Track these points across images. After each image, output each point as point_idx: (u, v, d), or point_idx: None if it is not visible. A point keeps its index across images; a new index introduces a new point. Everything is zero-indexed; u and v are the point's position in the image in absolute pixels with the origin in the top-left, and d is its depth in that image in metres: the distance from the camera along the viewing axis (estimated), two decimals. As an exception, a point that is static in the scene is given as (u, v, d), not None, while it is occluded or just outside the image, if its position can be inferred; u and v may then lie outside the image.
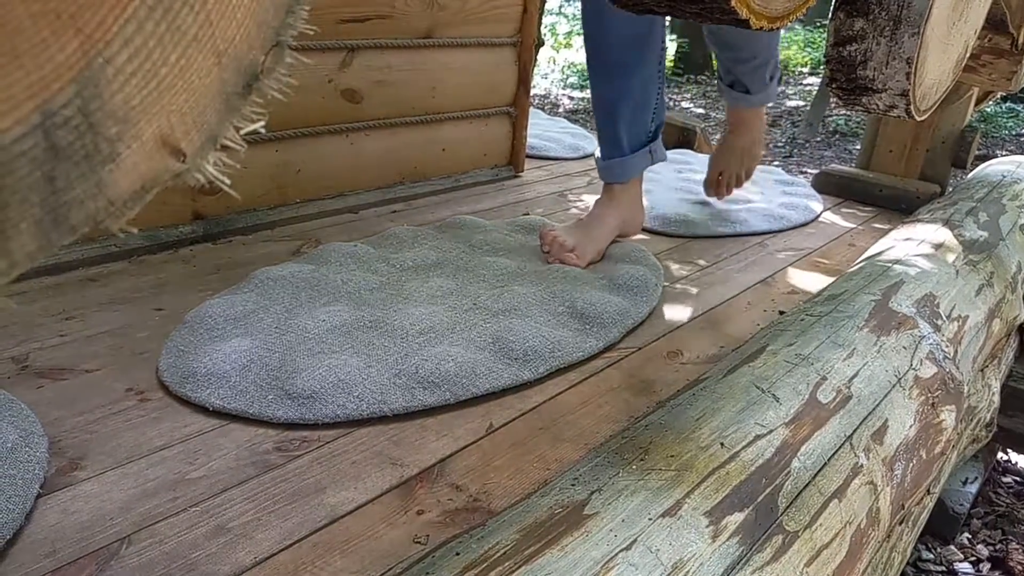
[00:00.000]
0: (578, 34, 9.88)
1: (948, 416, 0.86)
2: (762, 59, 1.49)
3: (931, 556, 1.53)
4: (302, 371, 0.82)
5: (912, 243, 1.18)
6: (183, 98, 0.23)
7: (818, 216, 1.64)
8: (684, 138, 2.15)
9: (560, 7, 11.11)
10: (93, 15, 0.19)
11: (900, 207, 1.73)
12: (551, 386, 0.89)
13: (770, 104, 1.62)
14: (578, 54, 8.97)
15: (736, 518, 0.54)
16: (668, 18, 1.16)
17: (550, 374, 0.91)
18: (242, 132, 0.26)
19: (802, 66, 8.54)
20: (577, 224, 1.28)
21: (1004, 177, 1.64)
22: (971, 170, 1.82)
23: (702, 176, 1.83)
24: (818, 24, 9.73)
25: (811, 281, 1.28)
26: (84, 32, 0.19)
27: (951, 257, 1.14)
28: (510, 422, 0.81)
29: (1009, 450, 1.89)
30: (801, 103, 6.64)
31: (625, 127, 1.26)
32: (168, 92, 0.22)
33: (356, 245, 1.19)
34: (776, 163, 4.60)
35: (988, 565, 1.52)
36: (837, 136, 5.43)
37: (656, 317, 1.09)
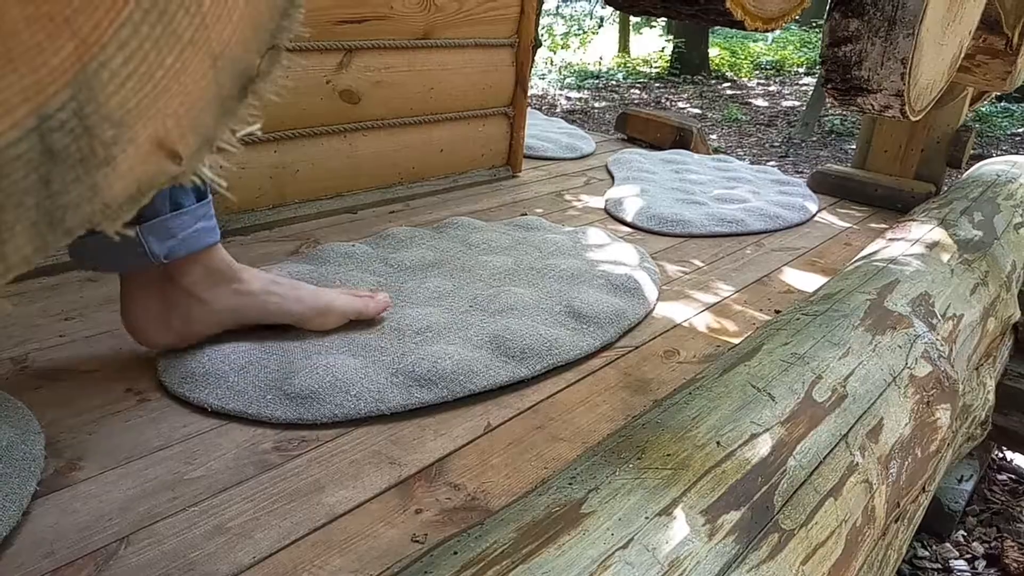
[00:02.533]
0: (576, 35, 9.87)
1: (943, 414, 0.86)
2: None
3: (927, 553, 1.54)
4: (300, 371, 0.82)
5: (907, 243, 1.18)
6: (179, 101, 0.23)
7: (814, 216, 1.64)
8: (681, 138, 2.16)
9: (557, 8, 11.12)
10: (88, 18, 0.20)
11: (895, 207, 1.74)
12: (548, 385, 0.89)
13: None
14: (575, 55, 8.96)
15: (732, 517, 0.54)
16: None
17: (547, 373, 0.91)
18: (238, 135, 0.26)
19: (798, 66, 8.55)
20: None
21: (999, 177, 1.65)
22: (966, 170, 1.82)
23: (698, 176, 1.84)
24: (814, 25, 9.75)
25: (807, 280, 1.29)
26: (79, 35, 0.20)
27: (946, 256, 1.14)
28: (508, 421, 0.82)
29: (1004, 448, 1.90)
30: (797, 103, 6.64)
31: None
32: (164, 95, 0.22)
33: (354, 245, 1.19)
34: (772, 163, 4.60)
35: (983, 562, 1.52)
36: (832, 136, 5.44)
37: (653, 316, 1.09)
